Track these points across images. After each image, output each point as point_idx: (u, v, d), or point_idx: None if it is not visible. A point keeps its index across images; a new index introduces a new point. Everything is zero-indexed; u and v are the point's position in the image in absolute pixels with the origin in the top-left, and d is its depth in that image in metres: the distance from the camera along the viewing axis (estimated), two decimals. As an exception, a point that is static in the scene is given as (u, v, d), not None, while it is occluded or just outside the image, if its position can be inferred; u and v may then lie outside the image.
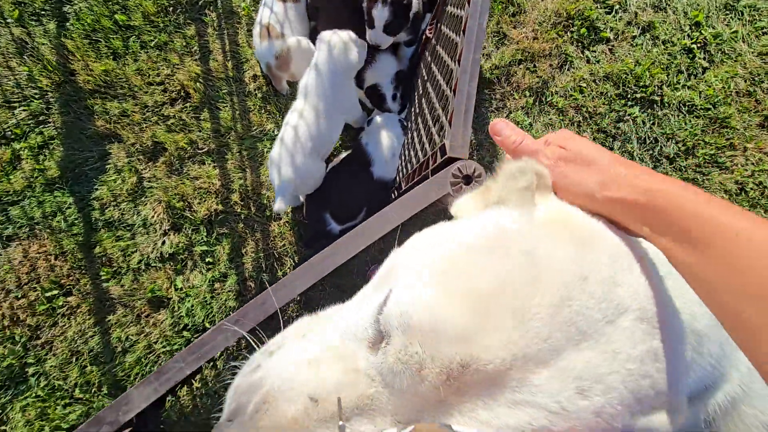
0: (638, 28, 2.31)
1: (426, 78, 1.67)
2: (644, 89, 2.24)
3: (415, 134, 1.68)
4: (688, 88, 2.24)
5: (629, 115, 2.24)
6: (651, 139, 2.22)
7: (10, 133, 2.03)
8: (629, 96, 2.25)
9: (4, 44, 2.09)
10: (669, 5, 2.34)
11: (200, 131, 2.09)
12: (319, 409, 0.42)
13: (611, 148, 2.20)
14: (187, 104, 2.11)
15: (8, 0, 2.09)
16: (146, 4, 2.12)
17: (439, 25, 1.58)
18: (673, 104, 2.24)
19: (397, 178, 1.86)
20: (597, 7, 2.31)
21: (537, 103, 2.24)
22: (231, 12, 2.18)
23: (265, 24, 1.91)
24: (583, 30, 2.28)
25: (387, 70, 1.93)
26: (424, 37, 1.95)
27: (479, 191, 0.60)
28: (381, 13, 1.72)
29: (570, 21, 2.29)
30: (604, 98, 2.25)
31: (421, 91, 1.72)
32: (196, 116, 2.11)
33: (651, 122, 2.24)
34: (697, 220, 0.39)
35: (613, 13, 2.32)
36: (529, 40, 2.28)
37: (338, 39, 1.65)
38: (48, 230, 1.98)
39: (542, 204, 0.49)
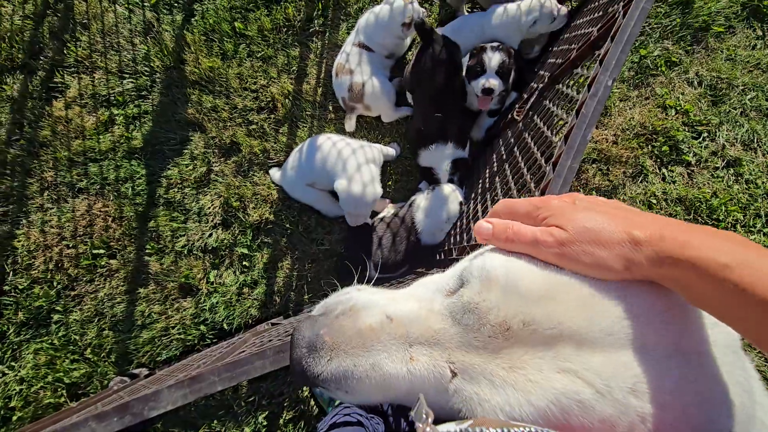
0: (723, 160, 2.26)
1: (505, 158, 1.70)
2: (717, 223, 2.17)
3: (480, 206, 1.69)
4: (764, 234, 2.15)
5: (694, 243, 2.16)
6: (711, 274, 2.12)
7: (113, 98, 2.23)
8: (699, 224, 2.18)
9: (135, 22, 2.32)
10: (760, 146, 2.29)
11: (275, 143, 2.21)
12: (392, 325, 0.47)
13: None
14: (272, 116, 2.23)
15: (151, -14, 2.34)
16: (264, 19, 2.30)
17: (531, 114, 1.62)
18: (743, 246, 2.14)
19: (448, 243, 1.86)
20: (685, 129, 2.29)
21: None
22: (335, 45, 2.33)
23: (339, 62, 2.11)
24: (665, 147, 2.26)
25: (443, 157, 1.98)
26: (510, 116, 2.00)
27: None
28: (494, 55, 1.85)
29: (654, 135, 2.28)
30: (672, 220, 2.19)
31: (495, 168, 1.74)
32: (276, 128, 2.23)
33: (715, 257, 2.14)
34: None
35: (700, 139, 2.29)
36: (608, 143, 2.28)
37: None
38: (115, 193, 2.12)
39: None
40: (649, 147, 2.28)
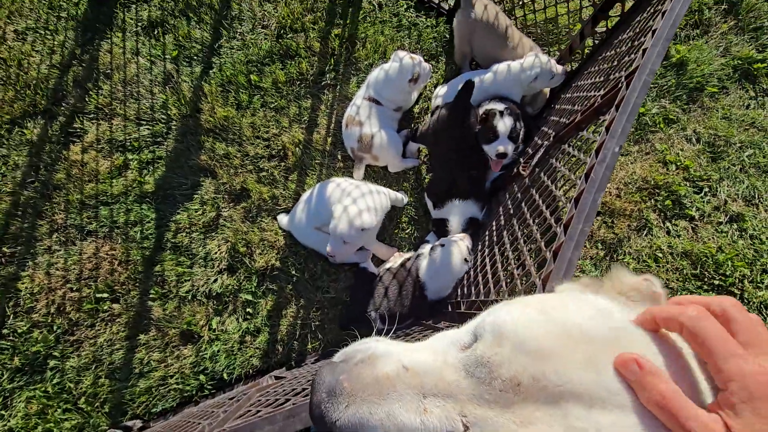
0: (726, 215, 2.29)
1: (512, 212, 1.72)
2: (724, 278, 2.16)
3: (487, 260, 1.70)
4: (772, 291, 2.14)
5: (702, 298, 2.14)
6: (722, 331, 2.08)
7: (129, 144, 2.29)
8: (706, 280, 2.17)
9: (156, 72, 2.44)
10: (762, 202, 2.32)
11: (284, 190, 2.25)
12: (408, 375, 0.49)
13: (677, 328, 2.09)
14: (282, 164, 2.29)
15: (173, 41, 2.48)
16: (279, 73, 2.42)
17: (538, 170, 1.67)
18: (754, 303, 2.13)
19: (455, 295, 1.85)
20: (686, 184, 2.34)
21: (608, 258, 2.22)
22: (345, 97, 2.43)
23: (349, 114, 2.20)
24: (668, 202, 2.29)
25: (459, 213, 2.03)
26: (515, 170, 2.05)
27: (583, 283, 0.60)
28: (505, 121, 1.91)
29: (656, 190, 2.32)
30: (679, 274, 2.19)
31: (503, 222, 1.76)
32: (285, 176, 2.28)
33: (725, 313, 2.12)
34: None
35: (702, 194, 2.33)
36: (612, 196, 2.32)
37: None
38: (123, 236, 2.13)
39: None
40: (652, 201, 2.32)
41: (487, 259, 1.70)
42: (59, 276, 2.06)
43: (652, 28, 1.17)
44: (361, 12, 2.62)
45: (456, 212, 2.01)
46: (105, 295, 2.04)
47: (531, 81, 2.10)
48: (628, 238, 2.25)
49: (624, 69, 1.43)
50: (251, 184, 2.23)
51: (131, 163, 2.26)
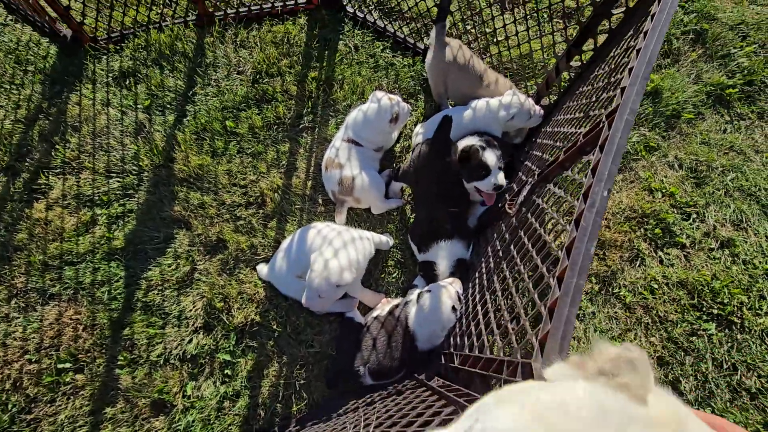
0: (716, 241, 2.25)
1: (502, 255, 1.64)
2: (722, 307, 2.09)
3: (479, 308, 1.60)
4: (773, 318, 2.07)
5: (704, 330, 2.06)
6: (729, 364, 2.00)
7: (98, 198, 2.18)
8: (705, 309, 2.10)
9: (127, 123, 2.36)
10: (750, 226, 2.29)
11: (263, 238, 2.14)
12: None
13: (682, 364, 1.99)
14: (261, 211, 2.20)
15: (145, 90, 2.43)
16: (255, 118, 2.37)
17: (525, 210, 1.60)
18: (755, 331, 2.05)
19: (447, 345, 1.73)
20: (674, 211, 2.31)
21: (603, 292, 2.14)
22: (324, 139, 2.38)
23: (329, 157, 2.14)
24: (657, 230, 2.25)
25: (446, 255, 1.94)
26: (501, 207, 1.99)
27: (573, 362, 0.56)
28: (491, 154, 1.88)
29: (644, 219, 2.28)
30: (677, 305, 2.11)
31: (492, 265, 1.68)
32: (264, 223, 2.18)
33: (729, 345, 2.03)
34: None
35: (690, 220, 2.30)
36: (601, 228, 2.27)
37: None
38: (89, 298, 1.98)
39: (654, 400, 0.46)
40: (642, 230, 2.27)
41: (479, 308, 1.60)
42: (17, 347, 1.89)
43: (628, 66, 1.14)
44: (338, 54, 2.62)
45: (442, 255, 1.93)
46: (68, 365, 1.87)
47: (508, 119, 2.08)
48: (622, 269, 2.18)
49: (603, 106, 1.40)
50: (228, 234, 2.12)
51: (99, 218, 2.14)
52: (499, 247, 1.70)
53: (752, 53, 2.69)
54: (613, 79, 1.36)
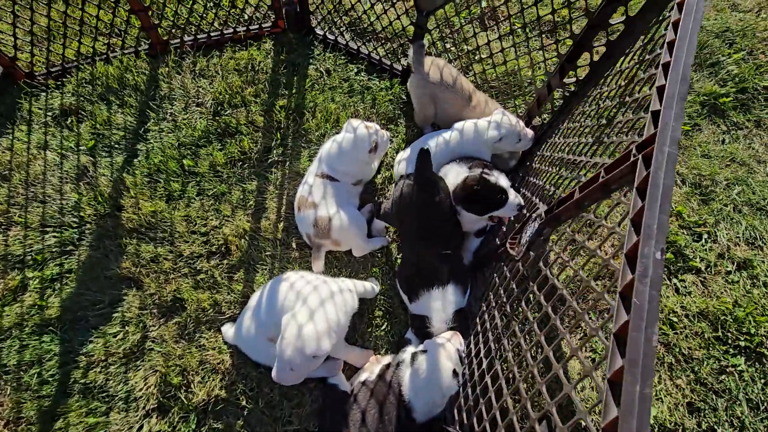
0: (732, 263, 2.05)
1: (509, 310, 1.39)
2: (749, 338, 1.88)
3: (486, 371, 1.33)
4: (808, 349, 1.86)
5: (733, 366, 1.83)
6: (765, 404, 1.76)
7: (30, 258, 1.86)
8: (731, 342, 1.88)
9: (67, 167, 2.06)
10: (765, 243, 2.11)
11: (229, 293, 1.84)
12: None
13: (714, 409, 1.75)
14: (225, 261, 1.90)
15: (89, 130, 2.14)
16: (217, 154, 2.10)
17: (533, 256, 1.36)
18: (789, 364, 1.83)
19: (454, 416, 1.45)
20: (683, 232, 2.11)
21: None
22: (296, 173, 2.13)
23: (301, 195, 1.89)
24: (669, 255, 2.04)
25: (441, 305, 1.66)
26: (501, 245, 1.75)
27: None
28: (499, 177, 1.69)
29: (654, 243, 2.08)
30: (700, 339, 1.89)
31: (499, 321, 1.42)
32: (229, 275, 1.88)
33: (762, 380, 1.81)
34: None
35: (702, 241, 2.10)
36: (608, 255, 2.04)
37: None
38: (15, 384, 1.63)
39: None
40: (652, 255, 2.06)
41: (486, 372, 1.33)
42: None
43: (655, 84, 0.93)
44: (308, 80, 2.39)
45: (436, 306, 1.66)
46: (-16, 473, 1.50)
47: (495, 141, 1.87)
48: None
49: (623, 131, 1.19)
50: (186, 291, 1.81)
51: (30, 282, 1.81)
52: (505, 300, 1.44)
53: (741, 60, 2.58)
54: (628, 99, 1.15)
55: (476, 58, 2.27)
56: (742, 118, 2.45)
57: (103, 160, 2.07)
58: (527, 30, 1.76)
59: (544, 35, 2.50)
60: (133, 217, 1.93)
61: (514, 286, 1.37)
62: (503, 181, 1.68)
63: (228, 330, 1.75)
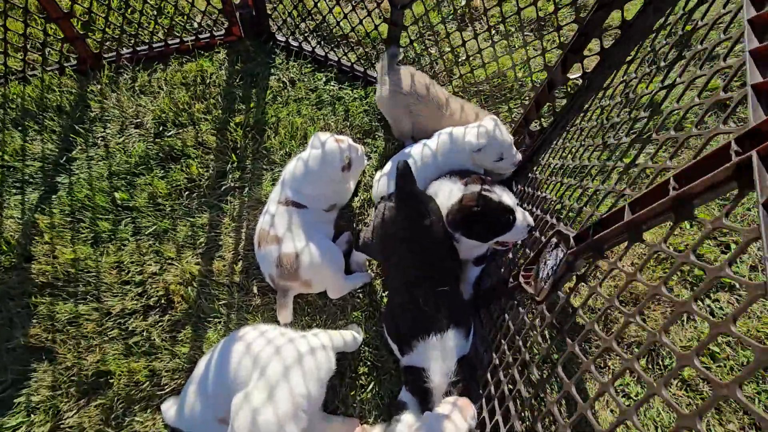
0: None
1: (540, 376, 1.05)
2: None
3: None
4: None
5: (791, 403, 1.53)
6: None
7: None
8: (785, 374, 1.58)
9: (-34, 210, 1.65)
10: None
11: (172, 359, 1.44)
12: None
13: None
14: (166, 317, 1.51)
15: (-2, 162, 1.75)
16: (158, 183, 1.73)
17: (561, 298, 1.04)
18: None
19: None
20: (709, 243, 1.84)
21: (649, 370, 1.58)
22: (258, 201, 1.77)
23: (262, 228, 1.55)
24: (698, 271, 1.76)
25: (441, 354, 1.30)
26: (511, 279, 1.41)
27: None
28: (503, 194, 1.36)
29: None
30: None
31: (516, 376, 1.08)
32: (172, 335, 1.49)
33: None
34: None
35: (731, 251, 1.82)
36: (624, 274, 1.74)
37: None
38: None
39: None
40: (678, 274, 1.77)
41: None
42: None
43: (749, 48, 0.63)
44: (269, 92, 2.07)
45: (435, 357, 1.31)
46: None
47: (474, 150, 1.58)
48: (668, 333, 1.65)
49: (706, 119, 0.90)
50: (114, 361, 1.41)
51: None
52: (526, 357, 1.10)
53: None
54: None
55: (461, 58, 2.00)
56: (747, 112, 2.23)
57: (11, 199, 1.67)
58: (521, 16, 1.48)
59: (542, 24, 2.25)
60: (47, 269, 1.53)
61: (540, 339, 1.04)
62: (508, 198, 1.36)
63: (169, 408, 1.34)
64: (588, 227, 0.94)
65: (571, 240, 1.00)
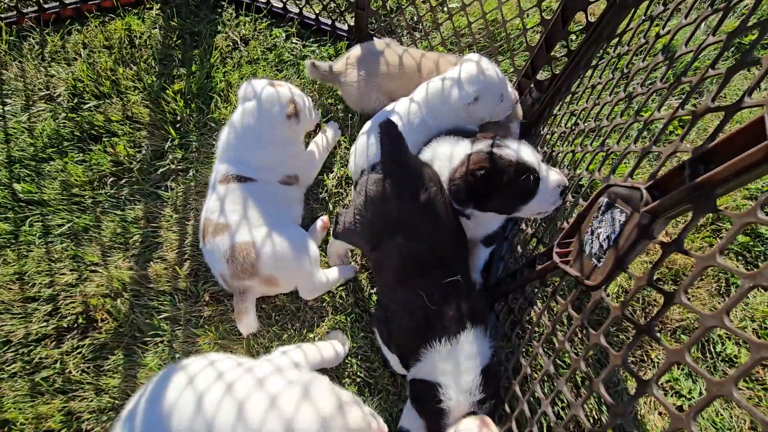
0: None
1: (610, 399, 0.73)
2: None
3: None
4: None
5: None
6: None
7: None
8: None
9: None
10: None
11: (96, 396, 1.08)
12: None
13: None
14: (86, 341, 1.15)
15: None
16: (74, 169, 1.35)
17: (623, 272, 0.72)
18: None
19: None
20: (752, 204, 1.56)
21: (701, 361, 1.30)
22: (205, 185, 1.40)
23: (206, 217, 1.21)
24: (744, 238, 1.48)
25: (460, 362, 1.00)
26: (541, 258, 1.09)
27: None
28: (520, 145, 1.03)
29: (720, 223, 1.51)
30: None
31: (584, 419, 0.76)
32: (96, 363, 1.13)
33: None
34: None
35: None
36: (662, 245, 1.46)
37: None
38: None
39: None
40: (718, 240, 1.49)
41: None
42: None
43: None
44: (215, 53, 1.68)
45: (449, 370, 0.99)
46: None
47: (469, 102, 1.23)
48: (714, 306, 1.37)
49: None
50: (14, 407, 1.04)
51: None
52: (582, 367, 0.79)
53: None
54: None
55: (441, 7, 1.65)
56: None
57: None
58: None
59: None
60: None
61: (602, 339, 0.72)
62: (528, 153, 1.03)
63: None
64: (681, 165, 0.62)
65: (644, 193, 0.68)
